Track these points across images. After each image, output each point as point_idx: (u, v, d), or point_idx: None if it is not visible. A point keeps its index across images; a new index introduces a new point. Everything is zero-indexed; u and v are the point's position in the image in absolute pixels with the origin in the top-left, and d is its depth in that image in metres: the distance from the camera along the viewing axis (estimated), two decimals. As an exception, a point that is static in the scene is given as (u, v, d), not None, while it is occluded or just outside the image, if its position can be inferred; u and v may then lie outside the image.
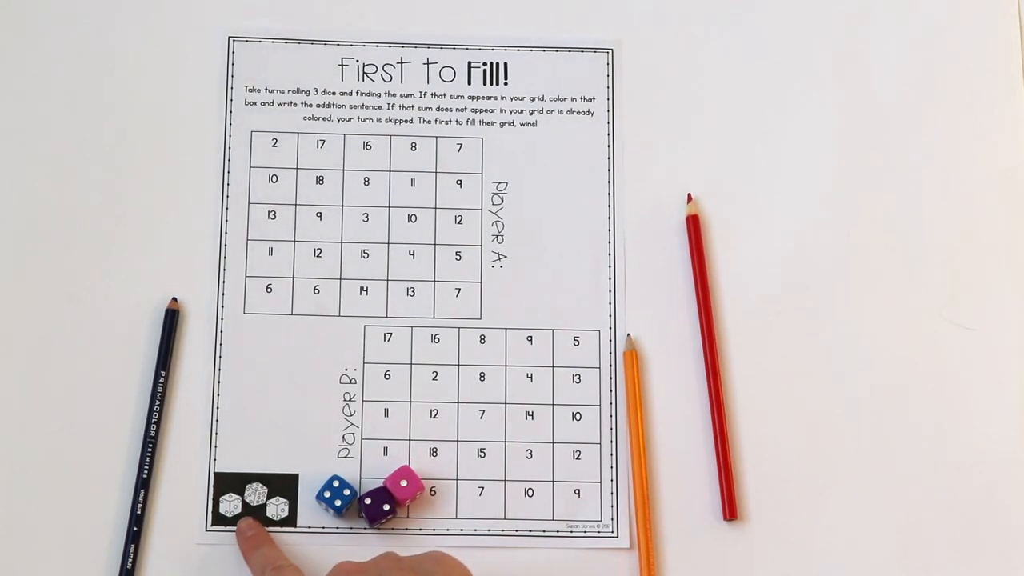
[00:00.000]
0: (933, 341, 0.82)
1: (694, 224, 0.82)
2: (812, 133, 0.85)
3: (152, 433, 0.77)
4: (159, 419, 0.77)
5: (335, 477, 0.76)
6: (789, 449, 0.80)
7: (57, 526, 0.76)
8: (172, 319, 0.79)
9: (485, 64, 0.84)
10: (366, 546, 0.77)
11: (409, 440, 0.79)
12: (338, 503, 0.76)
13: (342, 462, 0.78)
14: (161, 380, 0.78)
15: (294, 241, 0.81)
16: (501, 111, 0.84)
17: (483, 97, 0.84)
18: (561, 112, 0.84)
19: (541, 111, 0.84)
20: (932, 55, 0.86)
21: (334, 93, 0.83)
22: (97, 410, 0.78)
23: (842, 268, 0.83)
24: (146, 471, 0.76)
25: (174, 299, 0.79)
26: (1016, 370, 0.81)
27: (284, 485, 0.78)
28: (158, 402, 0.77)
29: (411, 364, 0.80)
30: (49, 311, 0.79)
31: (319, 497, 0.76)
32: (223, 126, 0.82)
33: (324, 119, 0.83)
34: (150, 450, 0.77)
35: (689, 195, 0.83)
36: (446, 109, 0.84)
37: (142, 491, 0.76)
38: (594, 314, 0.81)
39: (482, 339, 0.81)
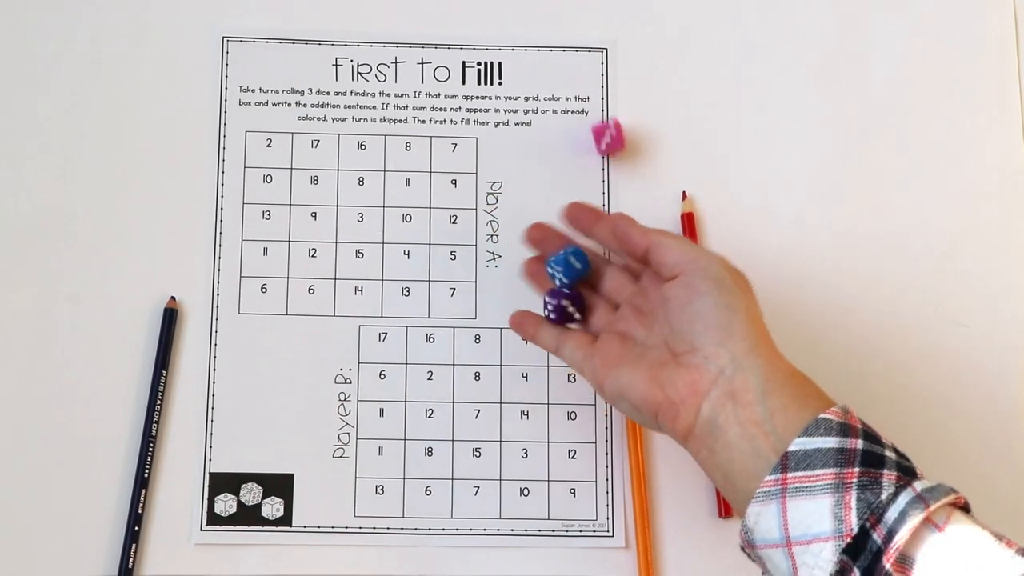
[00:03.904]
0: (928, 338, 0.81)
1: (689, 222, 0.82)
2: (807, 132, 0.84)
3: (152, 432, 0.77)
4: (159, 419, 0.78)
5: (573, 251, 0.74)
6: (784, 448, 0.79)
7: (56, 524, 0.77)
8: (171, 318, 0.79)
9: (479, 64, 0.84)
10: (362, 546, 0.77)
11: (404, 440, 0.79)
12: (568, 273, 0.74)
13: (337, 462, 0.78)
14: (161, 379, 0.78)
15: (289, 241, 0.81)
16: (496, 111, 0.83)
17: (477, 97, 0.84)
18: (556, 112, 0.84)
19: (536, 111, 0.84)
20: (929, 55, 0.86)
21: (328, 93, 0.83)
22: (95, 409, 0.78)
23: (838, 266, 0.82)
24: (146, 470, 0.77)
25: (172, 298, 0.79)
26: (1011, 367, 0.81)
27: (279, 485, 0.78)
28: (158, 401, 0.78)
29: (406, 364, 0.80)
30: (48, 311, 0.79)
31: (555, 261, 0.74)
32: (218, 126, 0.82)
33: (318, 119, 0.83)
34: (150, 449, 0.77)
35: (684, 193, 0.83)
36: (440, 109, 0.83)
37: (142, 490, 0.76)
38: (589, 313, 0.81)
39: (477, 339, 0.81)
